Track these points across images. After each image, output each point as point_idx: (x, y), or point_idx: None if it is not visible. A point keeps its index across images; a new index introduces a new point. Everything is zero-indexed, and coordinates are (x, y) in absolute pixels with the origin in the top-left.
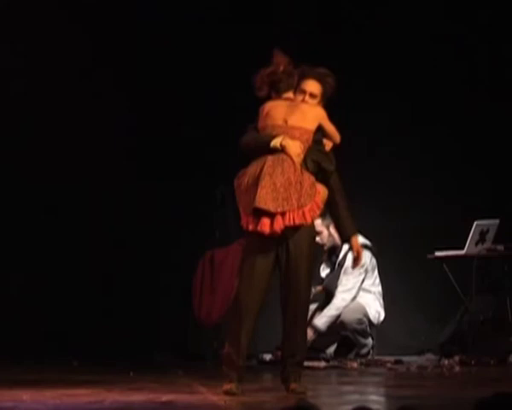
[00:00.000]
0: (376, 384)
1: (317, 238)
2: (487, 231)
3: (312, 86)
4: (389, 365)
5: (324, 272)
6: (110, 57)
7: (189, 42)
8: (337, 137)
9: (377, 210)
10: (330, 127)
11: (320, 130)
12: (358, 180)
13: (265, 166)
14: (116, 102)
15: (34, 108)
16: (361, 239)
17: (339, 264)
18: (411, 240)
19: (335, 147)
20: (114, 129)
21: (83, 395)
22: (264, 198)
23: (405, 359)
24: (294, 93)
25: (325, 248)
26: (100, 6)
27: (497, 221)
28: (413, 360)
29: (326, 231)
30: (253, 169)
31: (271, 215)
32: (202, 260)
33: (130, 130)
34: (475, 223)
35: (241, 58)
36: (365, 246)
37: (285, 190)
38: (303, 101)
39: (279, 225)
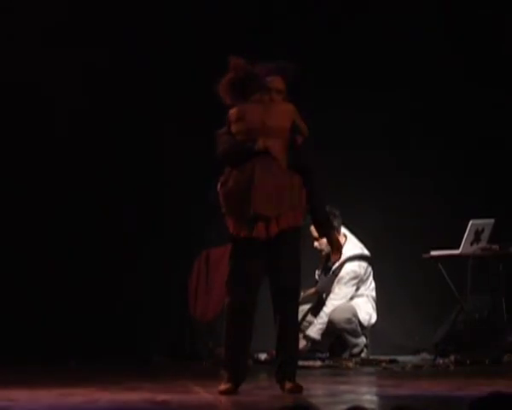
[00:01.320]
0: (371, 384)
1: (316, 244)
2: (482, 230)
3: (276, 82)
4: (384, 364)
5: (319, 276)
6: (111, 60)
7: (192, 45)
8: (306, 130)
9: (373, 210)
10: (301, 122)
11: (293, 126)
12: (355, 180)
13: (255, 172)
14: (116, 104)
15: (35, 109)
16: (359, 250)
17: (333, 271)
18: (407, 239)
19: (305, 140)
20: (114, 129)
21: (78, 394)
22: (260, 203)
23: (400, 358)
24: (260, 93)
25: (323, 253)
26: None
27: (492, 221)
28: (408, 360)
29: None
30: (240, 175)
31: (266, 220)
32: (198, 260)
33: (129, 130)
34: (471, 222)
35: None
36: (362, 257)
37: (278, 193)
38: (271, 99)
39: (274, 229)
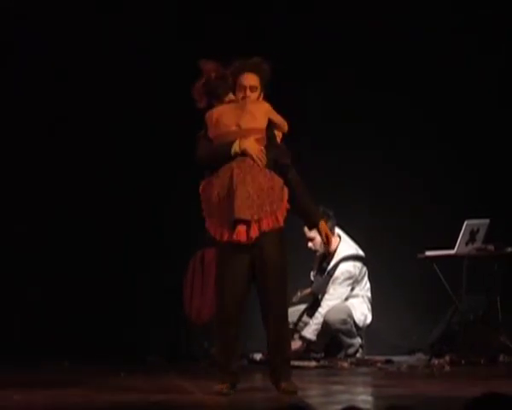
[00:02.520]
0: (366, 384)
1: (310, 244)
2: (477, 230)
3: (250, 79)
4: (379, 364)
5: (314, 276)
6: (109, 60)
7: (192, 45)
8: (285, 125)
9: (368, 210)
10: (278, 118)
11: (270, 124)
12: (350, 180)
13: (234, 176)
14: (116, 104)
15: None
16: (354, 250)
17: (328, 272)
18: (401, 239)
19: (285, 135)
20: (114, 129)
21: (73, 395)
22: (241, 208)
23: (396, 358)
24: (234, 92)
25: (317, 254)
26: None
27: (487, 221)
28: (403, 360)
29: (319, 238)
30: (220, 180)
31: (247, 223)
32: (193, 260)
33: (129, 129)
34: (466, 222)
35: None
36: (356, 257)
37: (258, 196)
38: (245, 97)
39: (255, 232)
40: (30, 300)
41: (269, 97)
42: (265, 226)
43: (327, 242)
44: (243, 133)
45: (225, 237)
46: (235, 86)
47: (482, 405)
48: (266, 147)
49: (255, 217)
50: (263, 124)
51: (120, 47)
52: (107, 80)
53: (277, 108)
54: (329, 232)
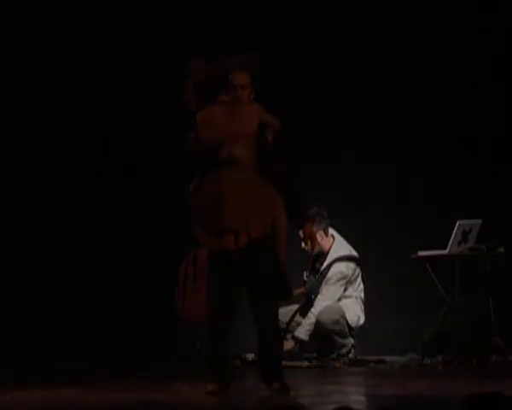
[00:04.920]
0: (359, 384)
1: (303, 245)
2: (470, 230)
3: (240, 78)
4: (372, 364)
5: (307, 277)
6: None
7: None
8: (277, 123)
9: (361, 210)
10: (269, 118)
11: (261, 125)
12: (343, 180)
13: (223, 183)
14: (116, 104)
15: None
16: (347, 251)
17: (321, 273)
18: (395, 240)
19: (277, 133)
20: (114, 129)
21: (66, 394)
22: (229, 217)
23: (388, 358)
24: (225, 93)
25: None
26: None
27: (479, 221)
28: (396, 360)
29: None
30: (209, 187)
31: (235, 231)
32: (186, 261)
33: (129, 130)
34: (458, 223)
35: None
36: (350, 258)
37: (247, 204)
38: (236, 97)
39: (244, 240)
40: (29, 300)
41: (259, 94)
42: (254, 234)
43: (310, 244)
44: (233, 138)
45: (214, 244)
46: (225, 85)
47: (480, 404)
48: (256, 151)
49: (243, 225)
50: (253, 127)
51: (120, 47)
52: (108, 81)
53: (271, 107)
54: (313, 235)
